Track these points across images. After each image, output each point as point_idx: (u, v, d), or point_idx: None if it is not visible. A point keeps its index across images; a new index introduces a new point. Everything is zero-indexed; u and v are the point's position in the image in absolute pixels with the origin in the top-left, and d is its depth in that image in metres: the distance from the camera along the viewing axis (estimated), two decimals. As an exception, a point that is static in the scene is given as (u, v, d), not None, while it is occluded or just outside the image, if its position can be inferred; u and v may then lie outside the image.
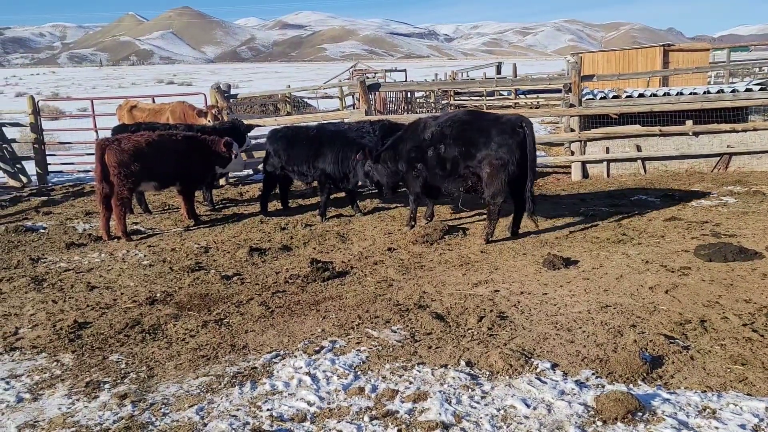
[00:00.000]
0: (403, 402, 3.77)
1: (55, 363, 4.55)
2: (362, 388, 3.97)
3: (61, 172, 14.08)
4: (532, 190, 7.15)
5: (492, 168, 7.02)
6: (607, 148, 11.26)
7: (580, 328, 4.74)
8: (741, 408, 3.54)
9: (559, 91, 24.79)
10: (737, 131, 10.91)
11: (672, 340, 4.43)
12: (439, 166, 7.40)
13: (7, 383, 4.26)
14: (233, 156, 8.92)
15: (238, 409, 3.78)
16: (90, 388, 4.14)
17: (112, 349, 4.76)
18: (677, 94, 11.36)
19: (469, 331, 4.77)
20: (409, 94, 25.55)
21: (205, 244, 7.74)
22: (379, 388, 3.96)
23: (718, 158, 10.99)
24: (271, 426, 3.58)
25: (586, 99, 11.65)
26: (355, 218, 8.85)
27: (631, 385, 3.86)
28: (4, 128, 13.30)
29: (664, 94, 11.51)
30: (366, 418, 3.61)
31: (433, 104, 27.38)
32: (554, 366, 4.15)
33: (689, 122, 11.07)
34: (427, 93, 27.78)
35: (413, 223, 8.02)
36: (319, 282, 6.09)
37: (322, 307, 5.43)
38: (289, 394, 3.95)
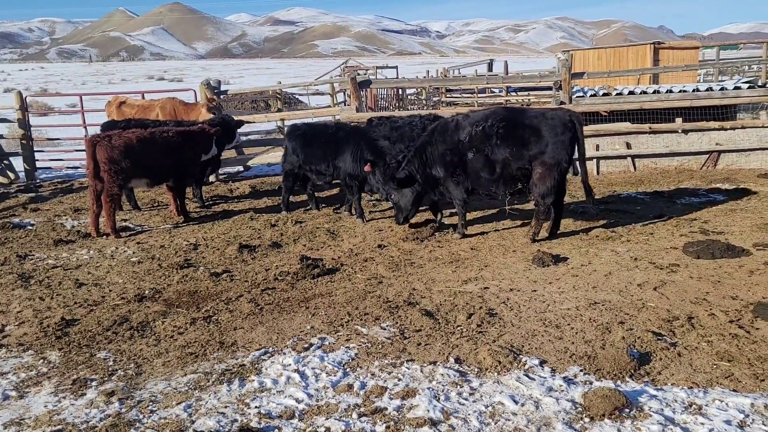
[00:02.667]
0: (391, 399, 3.77)
1: (41, 360, 4.52)
2: (351, 385, 3.97)
3: (49, 168, 13.98)
4: (588, 185, 7.07)
5: (544, 167, 6.77)
6: (597, 146, 11.30)
7: (568, 324, 4.76)
8: (727, 404, 3.56)
9: (550, 88, 24.85)
10: (726, 129, 10.98)
11: (660, 337, 4.45)
12: (486, 168, 6.98)
13: (-7, 381, 4.23)
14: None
15: (226, 407, 3.77)
16: (77, 385, 4.11)
17: (99, 346, 4.74)
18: (667, 92, 11.42)
19: (459, 328, 4.77)
20: (400, 91, 25.55)
21: (194, 241, 7.71)
22: (368, 385, 3.95)
23: (707, 156, 11.05)
24: (260, 423, 3.57)
25: (577, 96, 11.69)
26: (345, 215, 8.83)
27: (618, 382, 3.88)
28: (-9, 124, 13.20)
29: (654, 92, 11.57)
30: (354, 415, 3.60)
31: (424, 101, 27.38)
32: (542, 363, 4.17)
33: (679, 120, 11.13)
34: (419, 90, 27.78)
35: (464, 230, 7.47)
36: (309, 279, 6.08)
37: (312, 304, 5.42)
38: (277, 392, 3.94)
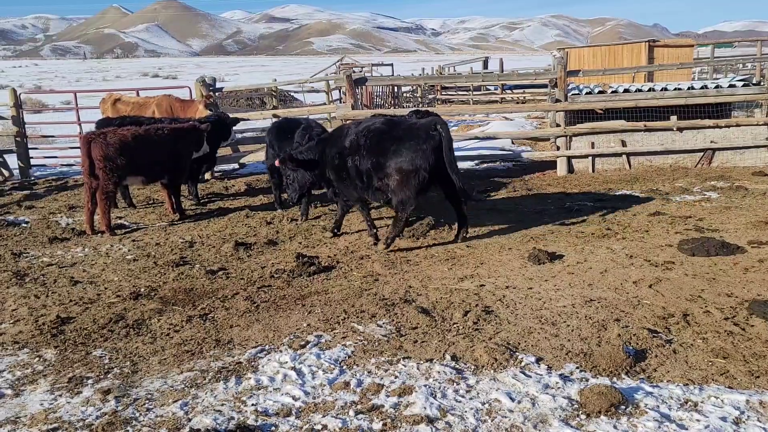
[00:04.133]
0: (388, 396, 3.78)
1: (37, 358, 4.51)
2: (348, 382, 3.97)
3: (44, 165, 13.94)
4: (463, 188, 6.82)
5: (401, 175, 6.63)
6: (593, 143, 11.32)
7: (564, 322, 4.77)
8: (722, 401, 3.58)
9: (545, 86, 24.88)
10: (720, 127, 11.02)
11: (655, 334, 4.46)
12: (358, 177, 6.97)
13: (-11, 379, 4.22)
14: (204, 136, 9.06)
15: (222, 404, 3.76)
16: (73, 383, 4.10)
17: (95, 344, 4.72)
18: (662, 90, 11.43)
19: (455, 326, 4.78)
20: (395, 88, 25.53)
21: (190, 239, 7.70)
22: (364, 383, 3.96)
23: (702, 153, 11.09)
24: (256, 421, 3.57)
25: (572, 94, 11.70)
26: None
27: (614, 379, 3.89)
28: (-15, 121, 13.14)
29: (649, 90, 11.58)
30: (351, 413, 3.61)
31: (420, 99, 27.38)
32: (539, 360, 4.18)
33: (674, 118, 11.16)
34: (414, 87, 27.78)
35: (337, 231, 7.66)
36: (305, 277, 6.07)
37: (308, 301, 5.42)
38: (274, 389, 3.94)
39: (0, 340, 4.84)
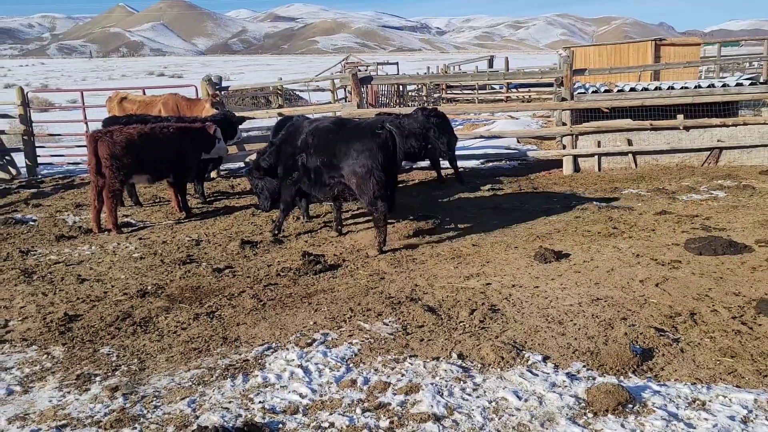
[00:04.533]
0: (395, 394, 3.78)
1: (45, 356, 4.53)
2: (354, 380, 3.98)
3: (50, 164, 13.99)
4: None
5: (357, 177, 6.71)
6: (599, 142, 11.29)
7: (571, 320, 4.76)
8: (730, 400, 3.57)
9: (551, 85, 24.83)
10: (727, 126, 10.97)
11: (662, 333, 4.46)
12: (306, 176, 7.16)
13: (-3, 376, 4.24)
14: (217, 141, 8.97)
15: (230, 402, 3.78)
16: (81, 380, 4.12)
17: (102, 341, 4.74)
18: (668, 89, 11.40)
19: (461, 324, 4.78)
20: (401, 87, 25.52)
21: (196, 237, 7.72)
22: (371, 381, 3.96)
23: (709, 152, 11.05)
24: (264, 418, 3.58)
25: (578, 93, 11.68)
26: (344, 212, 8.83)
27: (621, 378, 3.89)
28: (-7, 120, 13.20)
29: (656, 89, 11.55)
30: (358, 410, 3.61)
31: (425, 97, 27.36)
32: (545, 358, 4.17)
33: (680, 116, 11.12)
34: (420, 86, 27.76)
35: (276, 233, 7.65)
36: (311, 275, 6.08)
37: (314, 299, 5.43)
38: (281, 387, 3.95)
39: (9, 337, 4.87)
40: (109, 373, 4.21)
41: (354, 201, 7.44)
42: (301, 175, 7.20)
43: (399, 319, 4.93)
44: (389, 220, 7.27)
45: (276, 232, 7.67)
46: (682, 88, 11.36)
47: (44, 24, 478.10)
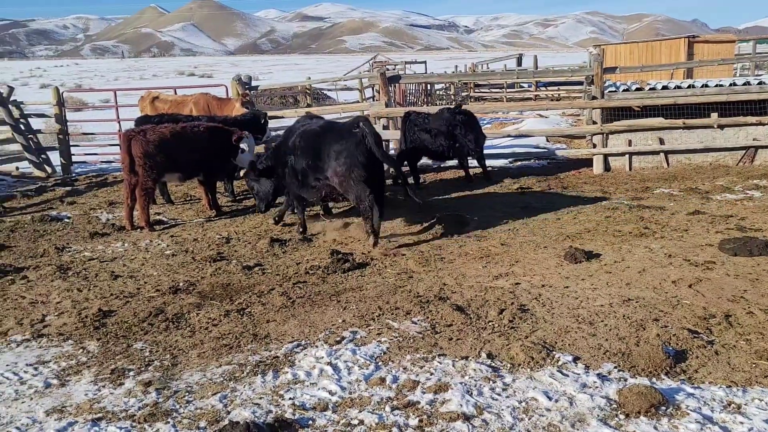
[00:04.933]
0: (424, 393, 3.78)
1: (81, 350, 4.63)
2: (383, 378, 3.99)
3: (84, 162, 14.27)
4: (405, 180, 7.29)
5: (340, 176, 6.91)
6: (630, 141, 11.14)
7: (602, 321, 4.71)
8: (766, 403, 3.50)
9: (580, 83, 24.55)
10: (764, 124, 10.73)
11: (696, 335, 4.39)
12: (294, 177, 7.41)
13: (36, 369, 4.35)
14: (240, 151, 8.96)
15: (260, 398, 3.82)
16: (115, 375, 4.20)
17: (136, 337, 4.83)
18: (702, 87, 11.19)
19: (490, 324, 4.76)
20: (428, 86, 25.46)
21: (226, 235, 7.81)
22: (400, 379, 3.97)
23: (744, 152, 10.83)
24: (294, 414, 3.61)
25: (609, 91, 11.53)
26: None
27: (654, 379, 3.84)
28: (29, 119, 13.50)
29: (689, 87, 11.34)
30: (387, 408, 3.62)
31: (453, 96, 27.26)
32: (576, 359, 4.14)
33: (714, 115, 10.90)
34: (447, 85, 27.66)
35: (303, 230, 7.77)
36: (340, 273, 6.11)
37: (343, 298, 5.45)
38: (310, 384, 3.98)
39: (46, 331, 4.99)
40: (143, 368, 4.29)
41: (343, 200, 7.59)
42: (292, 177, 7.45)
43: (427, 317, 4.93)
44: (411, 218, 7.24)
45: (301, 230, 7.75)
46: (716, 85, 11.14)
47: (78, 25, 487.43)
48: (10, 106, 13.06)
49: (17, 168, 13.33)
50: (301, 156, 7.23)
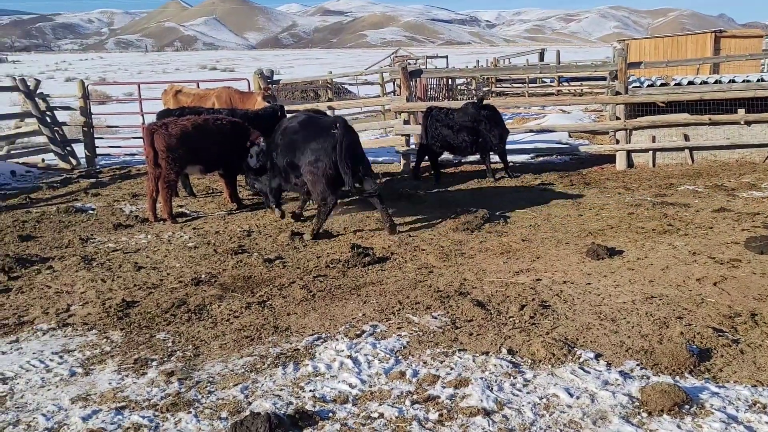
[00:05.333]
0: (444, 387, 3.78)
1: (104, 339, 4.69)
2: (403, 372, 3.99)
3: (108, 155, 14.45)
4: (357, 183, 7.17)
5: (312, 174, 7.11)
6: (654, 137, 11.01)
7: (624, 318, 4.67)
8: (793, 404, 3.45)
9: (603, 78, 24.29)
10: (792, 121, 10.54)
11: (721, 333, 4.33)
12: (279, 172, 7.72)
13: (61, 357, 4.42)
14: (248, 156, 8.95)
15: (281, 389, 3.84)
16: (138, 364, 4.26)
17: (159, 327, 4.88)
18: (729, 82, 11.02)
19: (511, 319, 4.74)
20: (450, 81, 25.35)
21: (247, 228, 7.86)
22: (420, 373, 3.97)
23: (771, 148, 10.64)
24: (314, 407, 3.63)
25: (633, 87, 11.39)
26: (392, 204, 8.83)
27: (677, 378, 3.80)
28: (55, 112, 13.69)
29: (715, 82, 11.18)
30: (407, 402, 3.63)
31: (474, 91, 27.12)
32: (598, 356, 4.11)
33: (741, 111, 10.73)
34: (469, 80, 27.52)
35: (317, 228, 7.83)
36: (360, 267, 6.12)
37: (363, 291, 5.46)
38: (331, 376, 3.99)
39: (71, 321, 5.07)
40: (165, 359, 4.34)
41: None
42: (278, 173, 7.72)
43: (448, 312, 4.92)
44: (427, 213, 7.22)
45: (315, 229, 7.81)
46: (743, 81, 10.96)
47: (103, 19, 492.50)
48: (36, 98, 13.26)
49: (43, 160, 13.55)
50: (281, 153, 7.49)
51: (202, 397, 3.80)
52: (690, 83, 11.34)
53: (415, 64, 27.68)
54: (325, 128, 7.15)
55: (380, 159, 12.82)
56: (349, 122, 7.60)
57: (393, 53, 39.81)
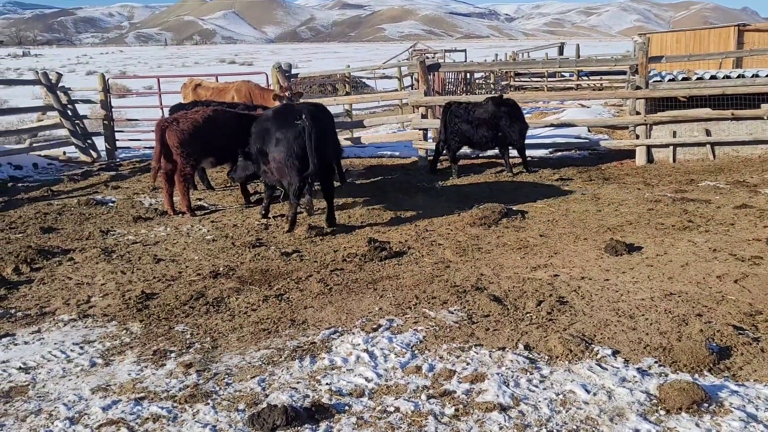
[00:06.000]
0: (460, 382, 3.78)
1: (124, 331, 4.75)
2: (419, 366, 4.00)
3: (128, 147, 14.58)
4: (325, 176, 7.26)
5: (277, 163, 7.13)
6: (674, 132, 10.87)
7: (642, 315, 4.63)
8: (814, 404, 3.40)
9: (622, 72, 24.04)
10: (817, 116, 10.35)
11: (741, 331, 4.28)
12: (255, 163, 7.78)
13: (81, 348, 4.48)
14: None
15: (298, 382, 3.87)
16: (157, 356, 4.30)
17: (177, 319, 4.93)
18: (752, 77, 10.84)
19: (528, 315, 4.72)
20: (468, 75, 25.22)
21: (265, 221, 7.89)
22: (436, 368, 3.97)
23: (795, 144, 10.46)
24: (330, 400, 3.65)
25: (654, 81, 11.26)
26: (409, 199, 8.83)
27: (696, 375, 3.76)
28: (76, 105, 13.84)
29: (738, 76, 11.01)
30: (423, 397, 3.63)
31: (492, 85, 26.96)
32: (615, 353, 4.08)
33: (765, 106, 10.56)
34: (487, 74, 27.36)
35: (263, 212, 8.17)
36: (377, 261, 6.13)
37: (380, 286, 5.47)
38: (347, 370, 4.01)
39: (91, 312, 5.13)
40: (184, 350, 4.38)
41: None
42: (253, 160, 7.80)
43: (464, 307, 4.91)
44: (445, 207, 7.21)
45: (262, 212, 8.16)
46: (767, 75, 10.78)
47: (123, 13, 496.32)
48: (58, 92, 13.41)
49: (64, 153, 13.71)
50: (254, 141, 7.57)
51: (220, 388, 3.84)
52: (712, 77, 11.19)
53: (433, 57, 27.58)
54: (292, 118, 7.15)
55: (397, 153, 12.80)
56: (322, 112, 7.67)
57: (411, 47, 39.68)
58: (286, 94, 11.30)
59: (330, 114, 8.34)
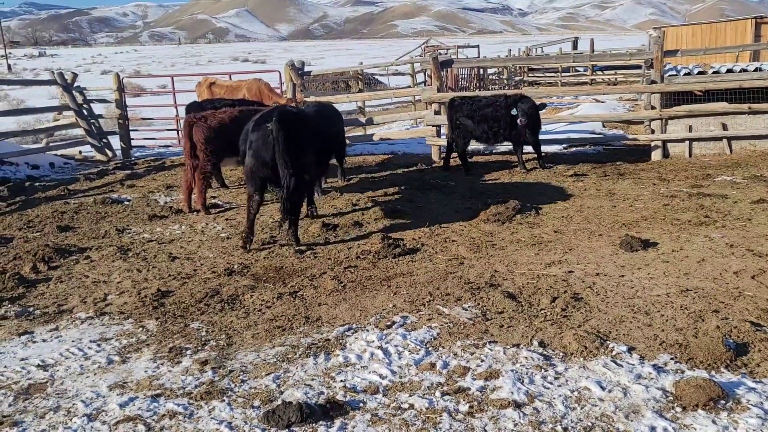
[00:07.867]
0: (474, 379, 3.78)
1: (140, 328, 4.79)
2: (434, 363, 4.00)
3: (143, 146, 14.69)
4: (290, 186, 6.54)
5: (245, 166, 6.88)
6: (690, 127, 10.76)
7: (658, 311, 4.60)
8: (833, 401, 3.36)
9: (637, 67, 23.82)
10: (836, 109, 10.20)
11: (759, 328, 4.23)
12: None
13: (99, 345, 4.53)
14: None
15: (312, 379, 3.88)
16: (173, 353, 4.34)
17: (193, 317, 4.97)
18: (770, 70, 10.70)
19: (542, 312, 4.70)
20: (481, 70, 25.12)
21: (279, 219, 7.90)
22: (450, 365, 3.97)
23: (814, 138, 10.32)
24: (345, 396, 3.66)
25: (669, 75, 11.16)
26: (423, 195, 8.82)
27: (713, 372, 3.73)
28: (91, 104, 13.96)
29: (756, 70, 10.87)
30: (438, 394, 3.63)
31: (506, 81, 26.84)
32: (631, 349, 4.05)
33: (782, 99, 10.43)
34: (500, 70, 27.23)
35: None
36: (390, 258, 6.13)
37: (393, 283, 5.48)
38: (361, 367, 4.02)
39: (108, 310, 5.18)
40: (199, 348, 4.41)
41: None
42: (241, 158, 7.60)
43: (478, 304, 4.90)
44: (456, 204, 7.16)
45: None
46: (785, 68, 10.65)
47: (137, 12, 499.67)
48: (73, 91, 13.53)
49: (80, 152, 13.85)
50: (241, 140, 7.30)
51: (235, 385, 3.86)
52: (729, 71, 11.06)
53: (446, 53, 27.51)
54: (262, 121, 6.83)
55: (410, 149, 12.79)
56: (297, 115, 7.24)
57: (424, 43, 39.61)
58: (292, 104, 11.33)
59: (329, 115, 8.37)
